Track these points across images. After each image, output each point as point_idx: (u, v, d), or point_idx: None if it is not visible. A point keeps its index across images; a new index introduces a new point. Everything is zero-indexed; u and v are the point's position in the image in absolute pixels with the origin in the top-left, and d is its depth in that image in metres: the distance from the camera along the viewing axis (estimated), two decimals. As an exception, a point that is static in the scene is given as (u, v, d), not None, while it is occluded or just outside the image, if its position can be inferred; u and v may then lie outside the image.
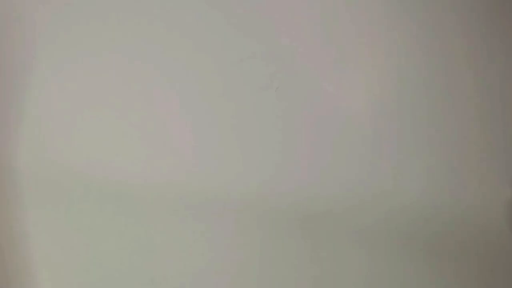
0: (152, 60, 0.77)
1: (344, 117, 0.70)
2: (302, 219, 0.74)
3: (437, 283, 0.69)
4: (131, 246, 0.83)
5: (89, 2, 0.78)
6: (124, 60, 0.78)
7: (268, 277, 0.77)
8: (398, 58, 0.67)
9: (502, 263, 0.66)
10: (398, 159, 0.69)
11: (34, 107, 0.84)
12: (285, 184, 0.73)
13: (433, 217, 0.68)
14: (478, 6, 0.64)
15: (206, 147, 0.76)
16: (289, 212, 0.74)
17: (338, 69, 0.69)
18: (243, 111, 0.74)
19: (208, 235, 0.79)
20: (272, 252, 0.76)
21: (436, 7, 0.65)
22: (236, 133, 0.75)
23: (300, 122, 0.72)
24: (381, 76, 0.68)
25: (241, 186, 0.75)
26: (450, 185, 0.67)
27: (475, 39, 0.64)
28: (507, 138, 0.64)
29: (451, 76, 0.65)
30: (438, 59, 0.66)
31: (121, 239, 0.83)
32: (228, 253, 0.78)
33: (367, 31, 0.67)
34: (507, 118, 0.64)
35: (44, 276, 0.88)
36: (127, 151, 0.80)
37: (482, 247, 0.67)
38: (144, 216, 0.81)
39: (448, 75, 0.66)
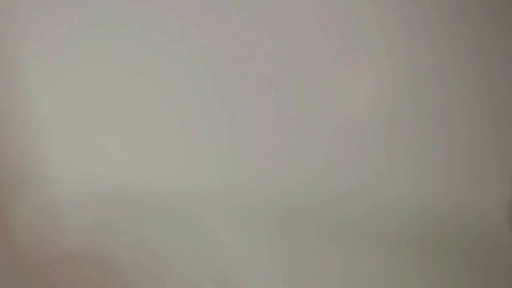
0: (153, 62, 0.77)
1: (342, 117, 0.70)
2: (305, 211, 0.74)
3: (437, 282, 0.70)
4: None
5: (90, 6, 0.78)
6: (126, 63, 0.78)
7: (249, 270, 0.77)
8: (396, 59, 0.67)
9: (502, 262, 0.66)
10: (395, 159, 0.69)
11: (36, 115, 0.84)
12: (289, 182, 0.74)
13: (433, 217, 0.68)
14: (477, 8, 0.64)
15: (206, 146, 0.77)
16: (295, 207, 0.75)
17: (337, 69, 0.69)
18: (243, 110, 0.74)
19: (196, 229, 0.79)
20: (252, 246, 0.77)
21: (435, 9, 0.65)
22: (236, 133, 0.75)
23: (298, 121, 0.72)
24: (380, 76, 0.68)
25: (248, 186, 0.76)
26: (450, 184, 0.67)
27: (473, 41, 0.64)
28: (507, 138, 0.65)
29: (451, 76, 0.66)
30: (437, 60, 0.66)
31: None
32: (208, 247, 0.79)
33: (367, 32, 0.68)
34: (507, 118, 0.64)
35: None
36: (129, 154, 0.81)
37: (482, 247, 0.67)
38: (147, 214, 0.82)
39: (448, 76, 0.66)
